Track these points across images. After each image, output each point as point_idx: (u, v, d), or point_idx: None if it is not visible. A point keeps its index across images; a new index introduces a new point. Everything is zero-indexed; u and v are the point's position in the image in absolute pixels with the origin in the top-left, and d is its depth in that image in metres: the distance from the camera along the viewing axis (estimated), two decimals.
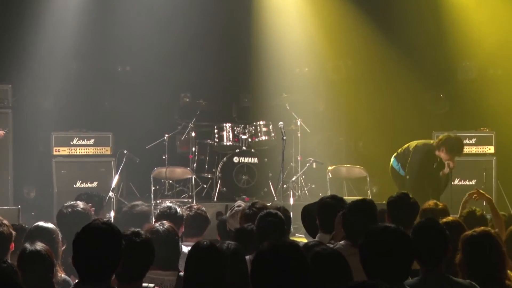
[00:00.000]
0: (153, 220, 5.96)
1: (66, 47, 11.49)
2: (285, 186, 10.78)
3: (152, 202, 9.97)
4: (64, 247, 5.14)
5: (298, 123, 11.27)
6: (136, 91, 11.88)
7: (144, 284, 4.13)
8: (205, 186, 11.38)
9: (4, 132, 9.80)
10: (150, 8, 11.62)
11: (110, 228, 3.67)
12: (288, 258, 3.18)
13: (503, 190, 9.18)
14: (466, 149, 10.69)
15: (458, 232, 4.79)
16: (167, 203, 6.33)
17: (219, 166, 11.17)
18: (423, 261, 4.10)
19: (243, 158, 11.14)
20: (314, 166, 11.27)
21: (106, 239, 3.58)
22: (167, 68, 11.85)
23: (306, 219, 5.85)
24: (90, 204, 6.52)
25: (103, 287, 3.55)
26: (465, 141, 10.64)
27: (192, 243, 5.25)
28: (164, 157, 11.05)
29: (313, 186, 11.35)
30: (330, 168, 11.06)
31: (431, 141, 9.05)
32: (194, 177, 11.03)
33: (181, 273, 4.54)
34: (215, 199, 10.83)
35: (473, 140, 10.93)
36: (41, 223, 5.23)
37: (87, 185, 10.31)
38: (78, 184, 10.29)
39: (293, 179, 11.17)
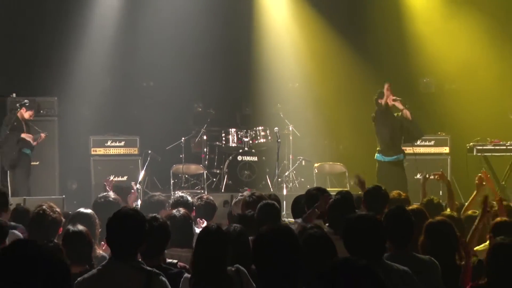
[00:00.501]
0: (169, 207, 5.94)
1: (101, 66, 11.54)
2: (279, 179, 10.81)
3: (172, 192, 9.99)
4: (100, 230, 5.06)
5: (290, 128, 11.27)
6: (158, 102, 11.89)
7: (168, 260, 4.16)
8: (214, 179, 11.41)
9: (45, 135, 9.78)
10: (168, 35, 11.63)
11: (136, 213, 3.67)
12: (283, 239, 3.15)
13: (456, 183, 9.21)
14: (426, 149, 10.83)
15: (421, 217, 4.84)
16: (180, 193, 6.33)
17: (226, 163, 11.21)
18: (394, 242, 4.06)
19: (246, 157, 11.17)
20: (303, 163, 11.30)
21: (132, 222, 3.56)
22: (183, 83, 11.83)
23: (295, 208, 5.89)
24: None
25: (131, 262, 3.51)
26: (425, 143, 10.79)
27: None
28: (181, 156, 11.09)
29: (302, 179, 11.36)
30: (316, 165, 11.12)
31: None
32: (206, 172, 11.07)
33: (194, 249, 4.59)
34: (222, 190, 10.85)
35: (432, 142, 10.96)
36: (82, 210, 5.17)
37: (118, 179, 10.34)
38: (111, 178, 10.27)
39: (286, 174, 11.20)
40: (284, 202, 8.80)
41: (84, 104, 11.11)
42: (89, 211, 5.18)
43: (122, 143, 11.00)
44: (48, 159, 10.26)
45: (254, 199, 5.67)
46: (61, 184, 10.60)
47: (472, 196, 6.19)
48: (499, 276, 3.75)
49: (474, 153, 10.26)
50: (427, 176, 6.74)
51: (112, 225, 3.57)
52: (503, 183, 9.91)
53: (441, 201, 6.42)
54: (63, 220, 4.91)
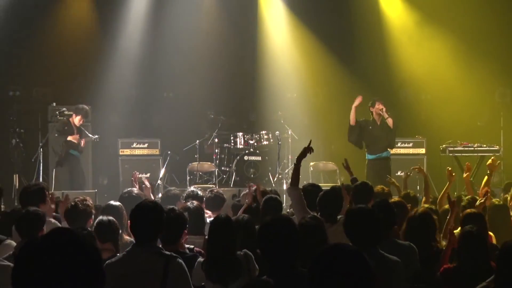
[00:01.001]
0: (183, 200, 5.92)
1: (128, 79, 11.56)
2: (280, 176, 10.82)
3: (188, 187, 9.99)
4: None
5: (289, 132, 11.27)
6: (176, 110, 11.86)
7: (186, 245, 4.15)
8: (224, 176, 11.38)
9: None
10: (185, 53, 11.67)
11: (155, 205, 3.64)
12: (283, 226, 3.18)
13: (431, 179, 9.20)
14: (405, 150, 10.83)
15: (402, 208, 4.85)
16: (192, 188, 6.33)
17: (234, 162, 11.19)
18: None
19: (251, 157, 11.17)
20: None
21: (152, 213, 3.53)
22: (197, 94, 11.85)
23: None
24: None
25: (152, 247, 3.51)
26: (404, 145, 10.79)
27: (213, 216, 5.32)
28: (196, 156, 11.11)
29: (300, 176, 11.29)
30: (311, 163, 11.09)
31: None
32: (217, 170, 11.08)
33: (207, 237, 4.59)
34: (231, 185, 10.83)
35: (411, 144, 10.96)
36: (111, 202, 5.17)
37: (142, 175, 10.34)
38: (138, 174, 10.29)
39: (286, 171, 11.16)
40: (284, 196, 8.78)
41: (114, 111, 11.15)
42: (117, 203, 5.15)
43: (146, 145, 11.01)
44: (83, 159, 10.27)
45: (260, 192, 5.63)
46: (94, 180, 10.63)
47: (445, 187, 6.18)
48: (466, 259, 3.74)
49: (447, 154, 10.30)
50: (408, 173, 6.76)
51: (134, 215, 3.56)
52: (472, 179, 9.85)
53: (418, 194, 6.43)
54: (93, 211, 4.88)
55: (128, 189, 6.09)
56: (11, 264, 3.40)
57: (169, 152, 10.73)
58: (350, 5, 11.82)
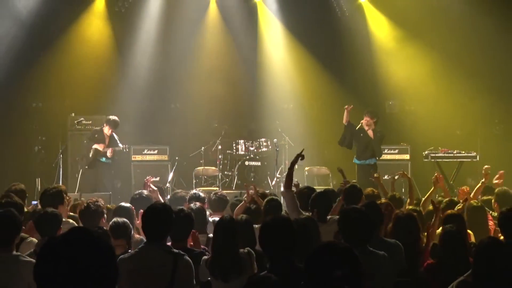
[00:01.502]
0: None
1: (140, 91, 11.55)
2: (278, 180, 10.79)
3: (194, 189, 9.96)
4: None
5: (286, 140, 11.27)
6: (183, 119, 11.86)
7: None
8: (227, 179, 11.36)
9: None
10: (191, 68, 11.72)
11: (164, 206, 3.67)
12: (282, 225, 3.20)
13: (414, 182, 9.19)
14: (391, 156, 10.83)
15: (389, 209, 4.85)
16: (194, 190, 6.32)
17: (236, 167, 11.19)
18: None
19: (251, 162, 11.17)
20: (296, 167, 11.16)
21: (162, 214, 3.54)
22: (202, 105, 11.86)
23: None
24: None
25: (161, 245, 3.52)
26: (390, 152, 10.80)
27: (217, 216, 5.30)
28: (201, 161, 11.09)
29: (296, 180, 11.28)
30: (306, 168, 11.12)
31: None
32: (220, 174, 11.05)
33: (209, 235, 4.56)
34: (233, 188, 10.80)
35: (396, 151, 10.95)
36: (122, 204, 5.18)
37: (152, 179, 10.28)
38: (150, 178, 10.27)
39: (283, 175, 11.09)
40: (281, 197, 8.74)
41: (127, 121, 11.14)
42: (128, 205, 5.15)
43: (156, 152, 10.99)
44: (100, 164, 10.24)
45: (258, 195, 5.69)
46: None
47: (430, 191, 6.18)
48: (447, 255, 3.74)
49: (429, 159, 10.27)
50: (395, 177, 6.77)
51: (146, 216, 3.57)
52: (452, 182, 9.88)
53: (403, 196, 6.42)
54: (105, 211, 4.87)
55: (139, 191, 6.09)
56: (33, 260, 3.39)
57: (177, 158, 10.72)
58: (341, 25, 11.86)
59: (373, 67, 11.69)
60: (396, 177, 6.72)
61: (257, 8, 12.19)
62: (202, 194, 5.95)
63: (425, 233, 4.48)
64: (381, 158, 9.55)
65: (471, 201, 5.53)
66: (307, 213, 4.95)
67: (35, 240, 4.39)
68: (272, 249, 3.14)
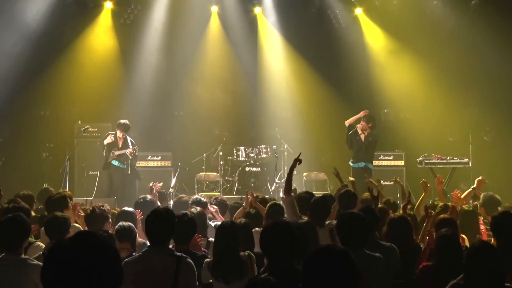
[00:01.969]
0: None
1: (144, 99, 11.57)
2: (277, 185, 10.77)
3: (196, 194, 9.95)
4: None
5: (285, 146, 11.26)
6: (186, 126, 11.84)
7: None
8: (228, 185, 11.33)
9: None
10: (194, 78, 11.74)
11: (166, 211, 3.66)
12: (283, 229, 3.21)
13: (409, 188, 9.18)
14: (386, 162, 10.82)
15: (384, 213, 4.85)
16: (196, 196, 6.32)
17: (237, 172, 11.16)
18: None
19: (252, 168, 11.14)
20: (295, 172, 11.17)
21: (164, 218, 3.53)
22: (204, 113, 11.88)
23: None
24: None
25: (165, 248, 3.51)
26: (385, 158, 10.79)
27: (216, 220, 5.29)
28: (203, 167, 11.06)
29: (294, 185, 11.24)
30: (305, 173, 11.11)
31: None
32: (221, 180, 11.03)
33: (209, 239, 4.56)
34: (234, 193, 10.79)
35: (391, 157, 10.94)
36: (126, 208, 5.20)
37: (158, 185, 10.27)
38: (151, 184, 10.21)
39: (282, 181, 11.10)
40: (281, 202, 8.72)
41: (131, 128, 11.14)
42: (131, 209, 5.17)
43: (159, 158, 10.97)
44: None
45: (258, 200, 5.67)
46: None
47: (421, 196, 6.18)
48: (442, 258, 3.73)
49: (423, 165, 10.29)
50: (387, 182, 6.77)
51: (149, 220, 3.56)
52: (445, 187, 9.86)
53: (397, 201, 6.41)
54: (109, 215, 4.88)
55: (143, 195, 6.12)
56: (41, 264, 3.39)
57: (179, 164, 10.70)
58: (338, 36, 11.88)
59: (369, 76, 11.71)
60: (391, 183, 6.73)
61: (257, 20, 12.22)
62: (203, 199, 5.95)
63: (419, 237, 4.48)
64: (377, 164, 9.56)
65: (463, 206, 5.53)
66: (306, 218, 4.95)
67: (42, 244, 4.38)
68: (273, 252, 3.15)
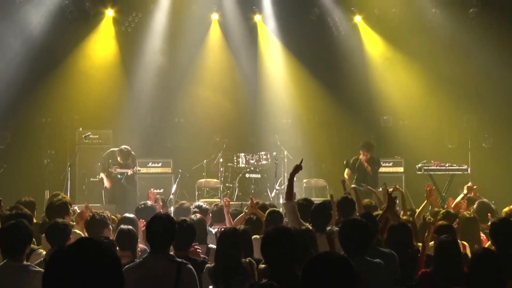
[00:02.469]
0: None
1: (144, 106, 11.60)
2: (277, 191, 10.75)
3: (196, 201, 9.93)
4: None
5: (285, 153, 11.23)
6: (186, 133, 11.84)
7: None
8: (228, 191, 11.28)
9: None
10: (194, 85, 11.76)
11: (167, 217, 3.66)
12: (284, 235, 3.21)
13: (408, 194, 9.18)
14: (386, 169, 10.81)
15: (383, 220, 4.82)
16: (198, 202, 6.33)
17: (237, 179, 11.14)
18: None
19: (252, 174, 11.12)
20: (295, 179, 11.18)
21: (165, 224, 3.53)
22: (205, 120, 11.88)
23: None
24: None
25: (165, 254, 3.50)
26: (385, 164, 10.78)
27: (217, 227, 5.28)
28: (203, 173, 11.04)
29: (295, 191, 11.23)
30: (304, 180, 11.09)
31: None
32: (222, 186, 11.00)
33: (209, 246, 4.55)
34: (234, 200, 10.73)
35: (391, 164, 10.95)
36: (126, 214, 5.19)
37: (157, 191, 10.27)
38: (151, 190, 10.23)
39: (282, 187, 11.07)
40: (281, 208, 8.71)
41: (133, 135, 11.16)
42: (132, 215, 5.22)
43: (160, 164, 10.97)
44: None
45: (258, 206, 5.70)
46: None
47: (423, 204, 6.17)
48: (442, 264, 3.72)
49: (422, 172, 10.26)
50: (389, 190, 6.74)
51: (150, 226, 3.57)
52: (444, 194, 9.87)
53: (397, 208, 6.39)
54: (109, 221, 4.87)
55: (144, 201, 6.14)
56: (42, 270, 3.38)
57: (180, 170, 10.67)
58: (338, 44, 11.90)
59: (368, 83, 11.72)
60: (391, 190, 6.71)
61: (257, 27, 12.25)
62: (205, 206, 5.96)
63: (420, 244, 4.47)
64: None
65: (464, 213, 5.52)
66: (307, 224, 4.94)
67: (44, 251, 4.37)
68: (274, 258, 3.15)
